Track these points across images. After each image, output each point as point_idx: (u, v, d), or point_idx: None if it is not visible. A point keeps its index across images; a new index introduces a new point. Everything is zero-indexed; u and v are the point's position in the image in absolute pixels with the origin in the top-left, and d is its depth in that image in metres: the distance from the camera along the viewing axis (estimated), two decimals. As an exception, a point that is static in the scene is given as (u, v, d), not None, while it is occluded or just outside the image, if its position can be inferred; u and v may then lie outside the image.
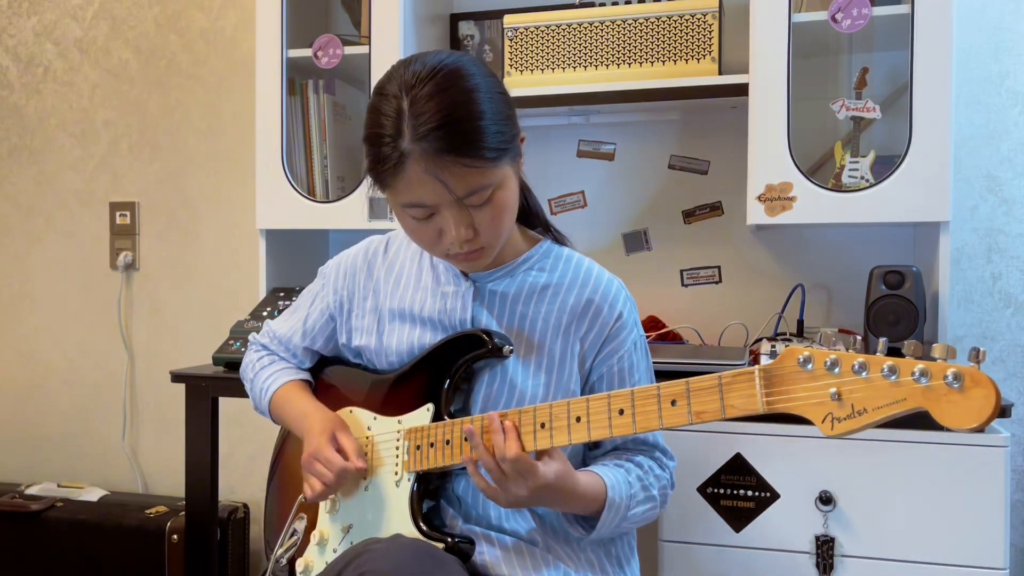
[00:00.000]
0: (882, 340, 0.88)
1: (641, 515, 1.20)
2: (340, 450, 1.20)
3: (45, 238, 2.69)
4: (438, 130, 1.04)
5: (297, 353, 1.37)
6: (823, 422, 0.88)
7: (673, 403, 0.99)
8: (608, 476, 1.15)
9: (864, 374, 0.86)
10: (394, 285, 1.28)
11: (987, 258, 2.00)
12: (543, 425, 1.07)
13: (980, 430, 0.80)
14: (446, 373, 1.18)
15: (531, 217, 1.28)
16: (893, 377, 0.84)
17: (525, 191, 1.25)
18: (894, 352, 0.87)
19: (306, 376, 1.37)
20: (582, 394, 1.19)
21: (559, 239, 1.29)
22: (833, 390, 0.87)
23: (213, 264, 2.54)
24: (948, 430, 0.81)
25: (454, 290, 1.23)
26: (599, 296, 1.21)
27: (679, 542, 1.65)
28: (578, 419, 1.05)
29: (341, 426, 1.23)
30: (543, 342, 1.19)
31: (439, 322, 1.22)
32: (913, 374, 0.82)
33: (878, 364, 0.85)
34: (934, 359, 0.83)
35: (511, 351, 1.17)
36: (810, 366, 0.89)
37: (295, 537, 1.29)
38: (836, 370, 0.88)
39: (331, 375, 1.36)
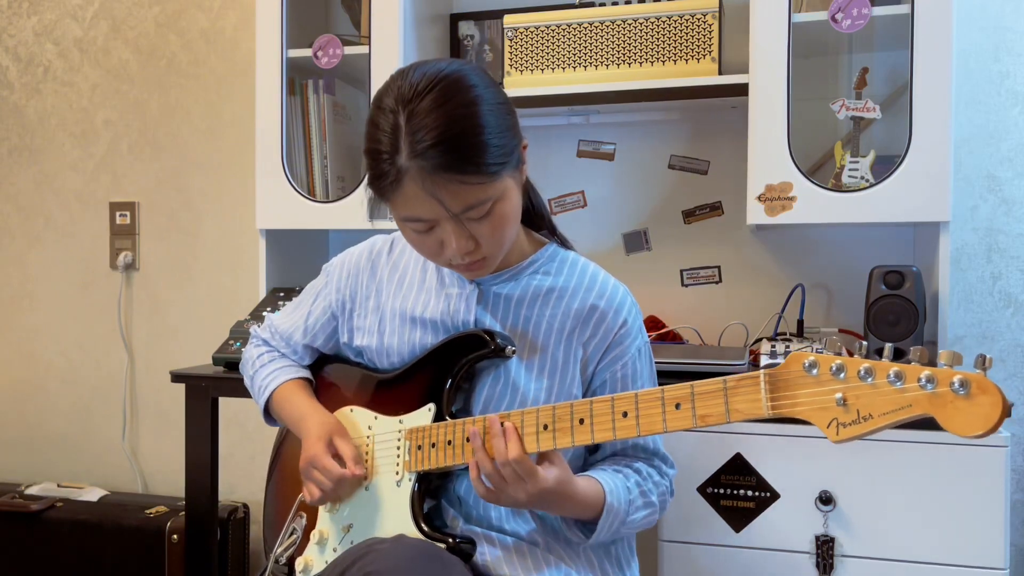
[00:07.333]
0: (888, 346, 0.87)
1: (640, 521, 1.20)
2: (338, 456, 1.19)
3: (45, 238, 2.69)
4: (435, 147, 1.02)
5: (298, 349, 1.36)
6: (828, 427, 0.88)
7: (677, 406, 0.99)
8: (607, 482, 1.15)
9: (870, 380, 0.85)
10: (397, 286, 1.27)
11: (987, 258, 2.00)
12: (546, 427, 1.07)
13: (984, 436, 0.80)
14: (448, 373, 1.17)
15: (536, 219, 1.28)
16: (899, 383, 0.83)
17: (530, 192, 1.25)
18: (899, 355, 0.87)
19: (306, 374, 1.36)
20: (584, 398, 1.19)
21: (565, 243, 1.29)
22: (839, 395, 0.87)
23: (213, 264, 2.54)
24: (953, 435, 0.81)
25: (458, 292, 1.22)
26: (604, 302, 1.20)
27: (679, 542, 1.65)
28: (581, 421, 1.05)
29: (339, 430, 1.23)
30: (546, 346, 1.19)
31: (441, 324, 1.22)
32: (919, 380, 0.82)
33: (884, 370, 0.84)
34: (940, 365, 0.82)
35: (513, 351, 1.16)
36: (815, 371, 0.89)
37: (294, 536, 1.28)
38: (842, 375, 0.87)
39: (332, 374, 1.35)
